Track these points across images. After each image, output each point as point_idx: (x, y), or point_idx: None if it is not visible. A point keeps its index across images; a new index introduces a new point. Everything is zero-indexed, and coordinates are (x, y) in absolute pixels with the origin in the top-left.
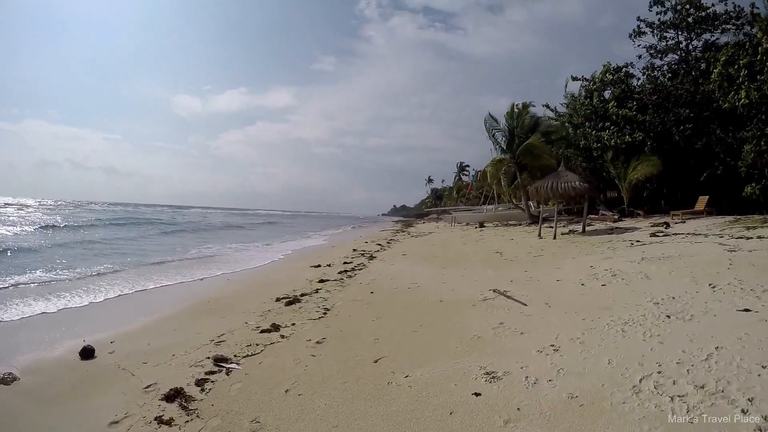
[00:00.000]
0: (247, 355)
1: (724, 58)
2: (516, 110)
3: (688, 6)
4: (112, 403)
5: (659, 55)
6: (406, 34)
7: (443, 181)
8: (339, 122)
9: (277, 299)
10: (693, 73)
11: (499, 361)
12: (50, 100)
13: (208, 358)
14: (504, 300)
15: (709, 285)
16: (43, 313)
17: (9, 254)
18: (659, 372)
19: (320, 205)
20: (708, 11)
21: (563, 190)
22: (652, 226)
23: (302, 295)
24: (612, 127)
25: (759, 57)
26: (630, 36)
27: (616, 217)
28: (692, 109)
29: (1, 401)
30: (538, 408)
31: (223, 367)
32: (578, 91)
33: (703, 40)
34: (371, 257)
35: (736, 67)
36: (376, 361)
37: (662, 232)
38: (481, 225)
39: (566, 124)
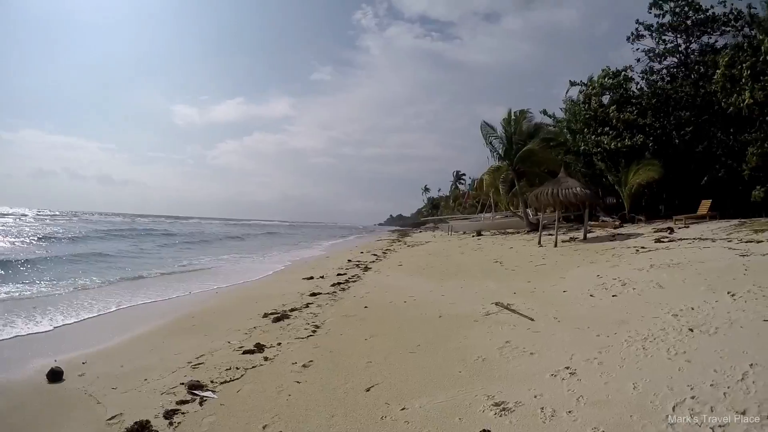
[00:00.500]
0: (225, 381)
1: (726, 59)
2: (513, 117)
3: (687, 8)
4: None
5: (658, 59)
6: (403, 44)
7: (440, 190)
8: (336, 132)
9: (265, 315)
10: (693, 76)
11: (509, 389)
12: (47, 110)
13: (182, 384)
14: (508, 314)
15: (728, 293)
16: (18, 330)
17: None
18: (693, 397)
19: (317, 215)
20: (707, 14)
21: (564, 197)
22: (655, 231)
23: (292, 310)
24: (612, 132)
25: (762, 57)
26: (628, 39)
27: (617, 223)
28: (692, 112)
29: None
30: None
31: (197, 395)
32: (577, 96)
33: (702, 42)
34: (366, 268)
35: (739, 68)
36: (368, 390)
37: (667, 237)
38: (479, 233)
39: (564, 130)
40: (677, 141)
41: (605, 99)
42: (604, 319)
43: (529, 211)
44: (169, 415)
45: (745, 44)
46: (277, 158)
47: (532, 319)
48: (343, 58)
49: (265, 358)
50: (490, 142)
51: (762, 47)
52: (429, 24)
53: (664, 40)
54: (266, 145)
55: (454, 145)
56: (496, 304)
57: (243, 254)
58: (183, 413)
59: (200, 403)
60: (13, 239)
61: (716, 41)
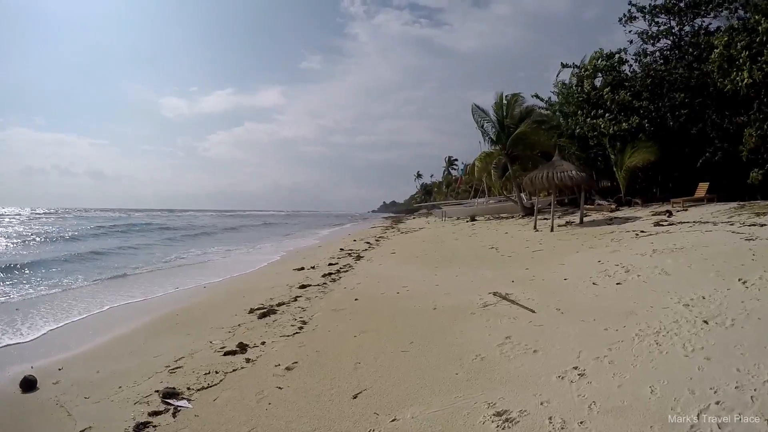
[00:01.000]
0: (203, 388)
1: (725, 39)
2: (505, 100)
3: None
4: None
5: (651, 41)
6: (392, 31)
7: (432, 176)
8: (326, 120)
9: (251, 310)
10: (687, 58)
11: (512, 394)
12: (34, 107)
13: (157, 391)
14: (507, 306)
15: (739, 280)
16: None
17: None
18: (717, 402)
19: (310, 203)
20: None
21: (560, 180)
22: (653, 215)
23: (279, 304)
24: (607, 115)
25: (759, 37)
26: (620, 21)
27: (613, 206)
28: (687, 94)
29: None
30: None
31: (171, 405)
32: (569, 79)
33: (696, 24)
34: (358, 257)
35: (737, 48)
36: (355, 397)
37: (666, 221)
38: (473, 219)
39: (557, 113)
40: (672, 123)
41: (598, 82)
42: (610, 310)
43: (523, 195)
44: (139, 428)
45: (740, 26)
46: (268, 148)
47: (534, 311)
48: (332, 46)
49: (247, 360)
50: (482, 126)
51: (759, 28)
52: (418, 10)
53: (657, 22)
54: (257, 135)
55: (444, 131)
56: (494, 294)
57: (237, 246)
58: (154, 426)
59: (173, 414)
60: (7, 240)
61: (710, 23)
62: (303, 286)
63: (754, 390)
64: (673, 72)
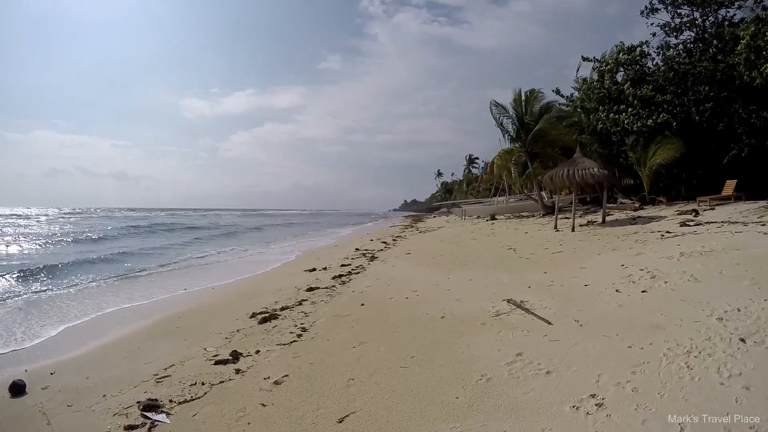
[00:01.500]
0: (185, 401)
1: (752, 28)
2: (524, 97)
3: None
4: None
5: (674, 33)
6: (411, 30)
7: (453, 174)
8: (346, 120)
9: (253, 315)
10: (711, 51)
11: (516, 426)
12: (57, 110)
13: (139, 402)
14: (521, 315)
15: None
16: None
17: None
18: None
19: (332, 203)
20: None
21: (581, 178)
22: (678, 214)
23: (282, 309)
24: (629, 110)
25: None
26: (642, 13)
27: (636, 205)
28: (712, 88)
29: None
30: None
31: (149, 419)
32: (590, 74)
33: (720, 16)
34: (372, 258)
35: (766, 37)
36: (341, 421)
37: (692, 220)
38: (493, 218)
39: (578, 109)
40: (697, 118)
41: (619, 77)
42: (634, 323)
43: (543, 193)
44: None
45: (766, 16)
46: (289, 148)
47: (550, 323)
48: (351, 47)
49: (237, 371)
50: (501, 123)
51: None
52: (436, 9)
53: (679, 14)
54: (277, 136)
55: (464, 130)
56: (508, 301)
57: (255, 245)
58: None
59: (149, 430)
60: (39, 241)
61: (734, 14)
62: (311, 289)
63: None
64: (698, 65)
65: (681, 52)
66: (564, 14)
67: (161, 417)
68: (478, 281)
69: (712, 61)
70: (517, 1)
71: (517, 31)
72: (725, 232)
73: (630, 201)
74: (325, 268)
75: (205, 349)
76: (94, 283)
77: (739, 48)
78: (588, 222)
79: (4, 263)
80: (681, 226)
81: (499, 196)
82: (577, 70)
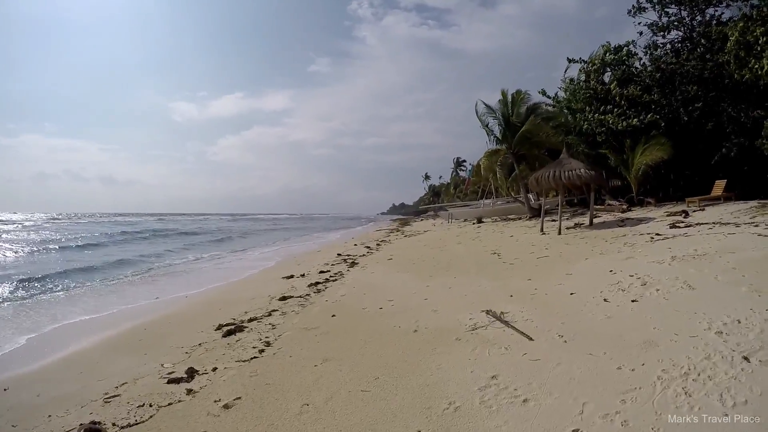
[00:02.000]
0: (128, 425)
1: (741, 25)
2: (510, 97)
3: None
4: None
5: (661, 33)
6: (400, 33)
7: (441, 177)
8: (335, 123)
9: (219, 327)
10: (699, 50)
11: None
12: (45, 114)
13: (82, 424)
14: (500, 329)
15: None
16: None
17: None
18: None
19: (321, 206)
20: None
21: (567, 179)
22: (667, 215)
23: (250, 320)
24: (616, 110)
25: None
26: (629, 12)
27: (624, 206)
28: (700, 87)
29: None
30: None
31: None
32: (577, 74)
33: (708, 14)
34: (353, 263)
35: (754, 35)
36: None
37: (682, 222)
38: (479, 221)
39: (564, 110)
40: (685, 118)
41: (606, 77)
42: (625, 338)
43: (530, 195)
44: None
45: (756, 14)
46: (278, 151)
47: (531, 338)
48: (340, 49)
49: (189, 391)
50: (487, 124)
51: None
52: (425, 12)
53: (667, 13)
54: (266, 139)
55: (454, 133)
56: (487, 312)
57: (240, 250)
58: None
59: None
60: (18, 248)
61: (722, 13)
62: (284, 298)
63: None
64: (685, 64)
65: (668, 51)
66: (552, 17)
67: None
68: (457, 289)
69: (700, 60)
70: (506, 4)
71: (505, 34)
72: (717, 233)
73: (618, 202)
74: (303, 275)
75: (162, 365)
76: (62, 293)
77: (728, 45)
78: (575, 224)
79: None
80: (671, 227)
81: (485, 198)
82: (565, 71)
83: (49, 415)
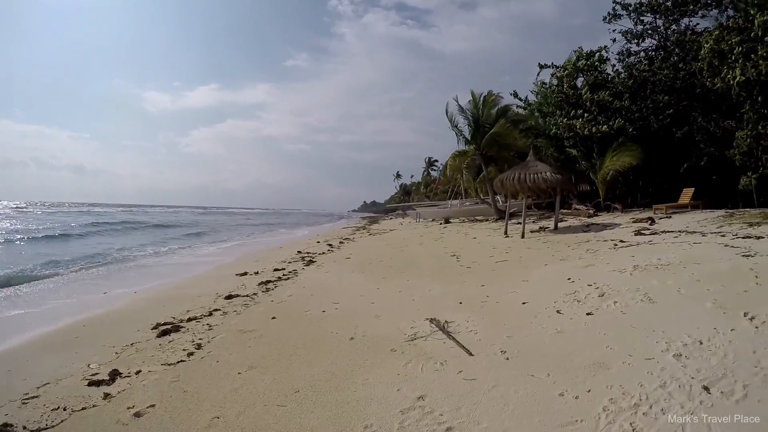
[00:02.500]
0: (38, 429)
1: (716, 33)
2: (481, 99)
3: None
4: None
5: (636, 40)
6: (379, 32)
7: (412, 176)
8: (310, 119)
9: (156, 326)
10: (672, 59)
11: None
12: (14, 99)
13: None
14: (440, 341)
15: (745, 315)
16: None
17: None
18: None
19: (294, 202)
20: None
21: (532, 182)
22: (633, 222)
23: (189, 320)
24: (586, 115)
25: (753, 33)
26: (604, 19)
27: (591, 211)
28: (672, 96)
29: None
30: None
31: None
32: (549, 79)
33: (683, 24)
34: (310, 262)
35: (729, 43)
36: None
37: (647, 229)
38: (447, 221)
39: (536, 113)
40: (656, 126)
41: (579, 82)
42: (574, 358)
43: (498, 197)
44: None
45: (732, 24)
46: (252, 145)
47: (471, 354)
48: (319, 45)
49: (106, 395)
50: (456, 125)
51: (755, 21)
52: (405, 11)
53: (642, 21)
54: (240, 132)
55: (428, 133)
56: (431, 321)
57: (203, 245)
58: None
59: None
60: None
61: (697, 24)
62: (230, 297)
63: None
64: (658, 72)
65: (642, 59)
66: (531, 22)
67: None
68: (407, 293)
69: (673, 69)
70: (486, 8)
71: (484, 37)
72: (683, 242)
73: (585, 207)
74: (257, 273)
75: (89, 365)
76: (10, 288)
77: (702, 52)
78: (540, 228)
79: None
80: (636, 234)
81: (454, 199)
82: (537, 75)
83: None
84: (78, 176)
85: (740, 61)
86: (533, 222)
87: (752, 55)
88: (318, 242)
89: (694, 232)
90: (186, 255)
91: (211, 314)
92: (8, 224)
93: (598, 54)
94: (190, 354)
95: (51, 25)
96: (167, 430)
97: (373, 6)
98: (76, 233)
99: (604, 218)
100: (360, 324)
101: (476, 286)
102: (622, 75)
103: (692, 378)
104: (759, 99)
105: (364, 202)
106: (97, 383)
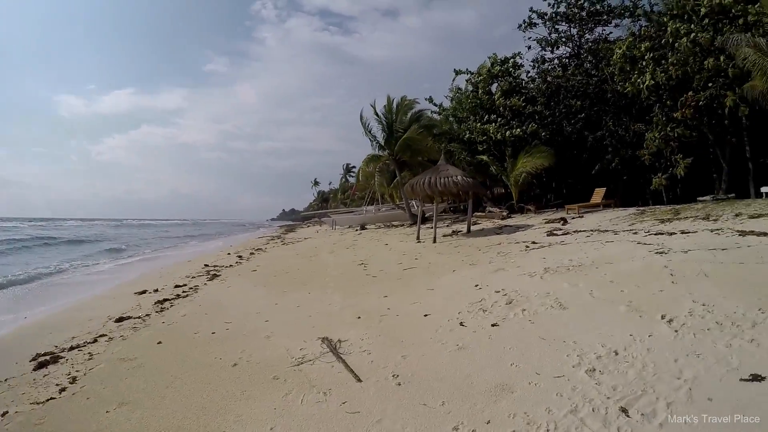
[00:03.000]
0: None
1: (629, 40)
2: (395, 104)
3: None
4: None
5: (550, 48)
6: (301, 37)
7: (330, 183)
8: (228, 126)
9: (36, 356)
10: (585, 65)
11: None
12: None
13: None
14: (329, 364)
15: (663, 318)
16: None
17: None
18: None
19: (212, 212)
20: (603, 3)
21: (443, 186)
22: (546, 222)
23: (72, 348)
24: (499, 120)
25: (665, 39)
26: (520, 27)
27: (504, 214)
28: (584, 101)
29: None
30: None
31: None
32: (465, 84)
33: (596, 33)
34: (214, 276)
35: (642, 48)
36: None
37: (560, 229)
38: (363, 227)
39: (450, 118)
40: (568, 129)
41: (494, 88)
42: (473, 381)
43: (414, 202)
44: None
45: (644, 32)
46: (167, 153)
47: (360, 379)
48: (239, 50)
49: None
50: (370, 130)
51: (668, 29)
52: (329, 17)
53: (557, 29)
54: (155, 139)
55: (348, 139)
56: (323, 340)
57: (108, 261)
58: None
59: None
60: None
61: (610, 33)
62: (120, 319)
63: None
64: (571, 78)
65: (556, 66)
66: (453, 32)
67: None
68: (306, 308)
69: (586, 75)
70: (409, 17)
71: (406, 45)
72: (594, 242)
73: (498, 209)
74: (156, 290)
75: None
76: None
77: (614, 58)
78: (453, 232)
79: None
80: (548, 235)
81: (370, 205)
82: (452, 81)
83: None
84: None
85: (650, 66)
86: (447, 226)
87: (663, 61)
88: (228, 254)
89: (607, 231)
90: (90, 273)
91: (96, 341)
92: None
93: (512, 60)
94: (63, 390)
95: None
96: None
97: (296, 11)
98: None
99: (517, 220)
100: (248, 347)
101: (379, 297)
102: (537, 81)
103: (608, 398)
104: (668, 102)
105: (283, 210)
106: None
